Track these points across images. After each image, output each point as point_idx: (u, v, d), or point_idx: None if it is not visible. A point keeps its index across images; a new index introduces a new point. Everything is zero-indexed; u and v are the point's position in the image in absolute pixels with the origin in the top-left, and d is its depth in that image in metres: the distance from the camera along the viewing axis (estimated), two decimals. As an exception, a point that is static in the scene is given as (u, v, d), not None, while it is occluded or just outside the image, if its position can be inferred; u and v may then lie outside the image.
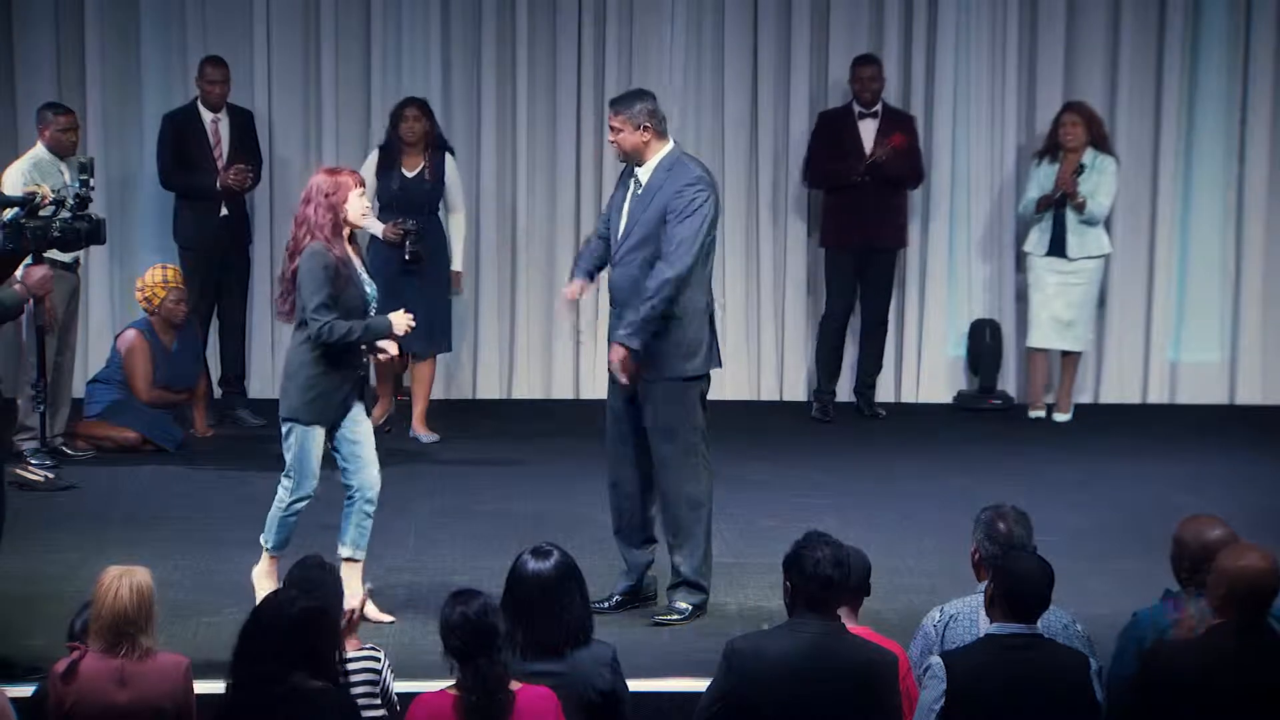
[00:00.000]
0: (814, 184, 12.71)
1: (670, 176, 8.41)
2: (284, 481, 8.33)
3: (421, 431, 11.51)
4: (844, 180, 12.36)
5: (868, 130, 12.42)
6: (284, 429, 8.28)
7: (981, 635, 6.36)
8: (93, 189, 9.03)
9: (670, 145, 8.53)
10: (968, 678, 6.12)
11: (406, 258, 11.25)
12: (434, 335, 11.42)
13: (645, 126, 8.44)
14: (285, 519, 8.33)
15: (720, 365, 8.61)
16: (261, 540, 8.38)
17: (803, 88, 12.93)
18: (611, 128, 8.51)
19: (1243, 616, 6.14)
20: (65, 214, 8.79)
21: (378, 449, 8.44)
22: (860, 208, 12.37)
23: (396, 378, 11.88)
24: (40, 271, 8.43)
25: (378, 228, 11.28)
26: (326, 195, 8.18)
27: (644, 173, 8.47)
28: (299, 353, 8.26)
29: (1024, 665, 6.16)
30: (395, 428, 11.59)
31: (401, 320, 8.27)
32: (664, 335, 8.39)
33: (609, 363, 8.46)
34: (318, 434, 8.26)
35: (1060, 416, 12.47)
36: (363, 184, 8.33)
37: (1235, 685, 6.07)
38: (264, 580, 8.31)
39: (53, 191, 8.93)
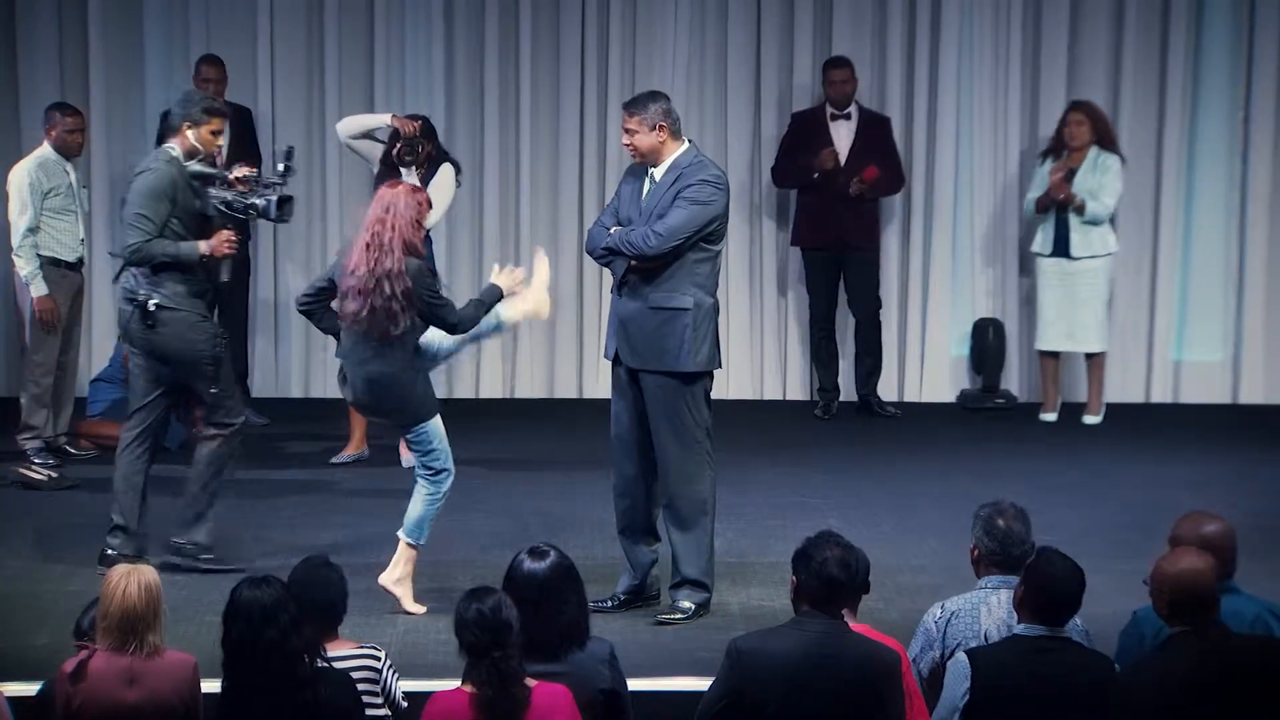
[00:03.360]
0: (777, 183, 12.74)
1: (690, 170, 8.44)
2: (425, 482, 8.50)
3: (406, 454, 11.22)
4: (803, 180, 12.40)
5: (840, 132, 12.44)
6: (418, 435, 8.47)
7: (1008, 635, 6.38)
8: (291, 171, 9.26)
9: (686, 145, 8.55)
10: (992, 676, 6.14)
11: (399, 145, 10.79)
12: None
13: (661, 126, 8.45)
14: (439, 510, 8.55)
15: (720, 366, 8.63)
16: (413, 539, 8.49)
17: (805, 88, 12.93)
18: (626, 129, 8.49)
19: (1192, 623, 6.15)
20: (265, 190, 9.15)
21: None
22: (832, 209, 12.38)
23: None
24: (224, 233, 9.01)
25: (384, 119, 10.99)
26: (416, 215, 8.37)
27: (659, 172, 8.48)
28: (402, 364, 8.40)
29: (1049, 666, 6.17)
30: (377, 450, 11.31)
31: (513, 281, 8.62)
32: (672, 328, 8.40)
33: None
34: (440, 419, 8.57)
35: (1090, 419, 12.41)
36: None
37: (1208, 694, 6.08)
38: (408, 583, 8.50)
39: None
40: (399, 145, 10.78)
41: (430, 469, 8.50)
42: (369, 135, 10.93)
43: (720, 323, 11.74)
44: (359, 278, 8.29)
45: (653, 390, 8.47)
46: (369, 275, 8.27)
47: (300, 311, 8.78)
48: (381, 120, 10.93)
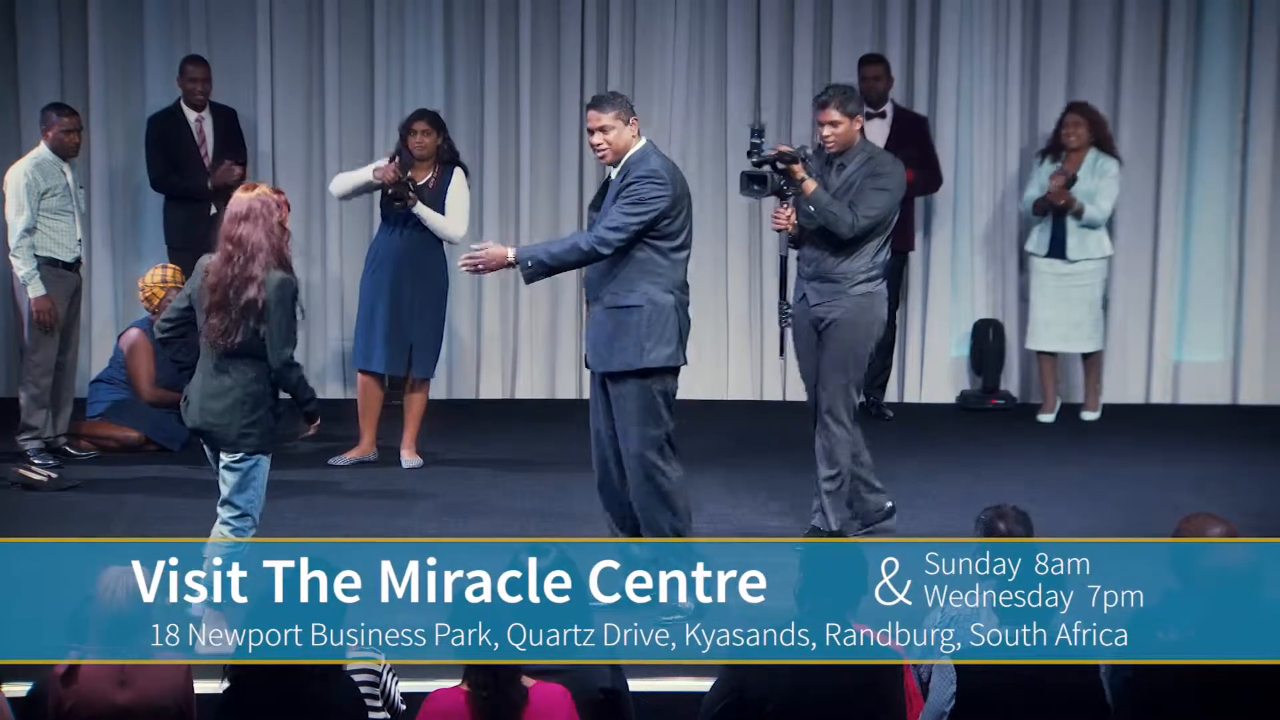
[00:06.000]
0: None
1: (634, 166, 8.43)
2: (234, 524, 8.01)
3: (408, 456, 11.09)
4: None
5: (874, 131, 12.43)
6: (247, 467, 8.00)
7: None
8: (758, 149, 9.39)
9: (644, 141, 8.54)
10: (978, 679, 6.14)
11: (389, 192, 10.81)
12: (419, 358, 11.02)
13: (633, 119, 8.46)
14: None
15: (685, 362, 8.60)
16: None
17: (806, 88, 12.93)
18: (601, 128, 8.44)
19: None
20: None
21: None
22: None
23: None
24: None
25: (367, 174, 10.95)
26: (278, 217, 7.98)
27: (615, 170, 8.50)
28: (256, 383, 7.98)
29: (1034, 667, 6.17)
30: (382, 450, 11.29)
31: (312, 429, 8.23)
32: (627, 328, 8.42)
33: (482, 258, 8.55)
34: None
35: (1088, 415, 12.48)
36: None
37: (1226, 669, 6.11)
38: None
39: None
40: (389, 193, 10.83)
41: (238, 509, 8.02)
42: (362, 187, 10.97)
43: (721, 323, 11.81)
44: (222, 289, 7.93)
45: (613, 390, 8.50)
46: (230, 285, 7.91)
47: (159, 340, 8.34)
48: (365, 175, 10.94)
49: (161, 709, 6.28)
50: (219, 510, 8.09)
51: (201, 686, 6.45)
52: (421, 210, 10.86)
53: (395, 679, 6.64)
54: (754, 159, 9.30)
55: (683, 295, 8.54)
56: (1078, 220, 12.18)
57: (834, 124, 9.37)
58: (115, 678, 6.25)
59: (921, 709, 6.43)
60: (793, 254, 9.74)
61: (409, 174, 10.86)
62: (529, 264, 8.46)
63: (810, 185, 9.28)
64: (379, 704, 6.56)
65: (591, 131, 8.49)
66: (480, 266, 8.56)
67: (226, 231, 7.99)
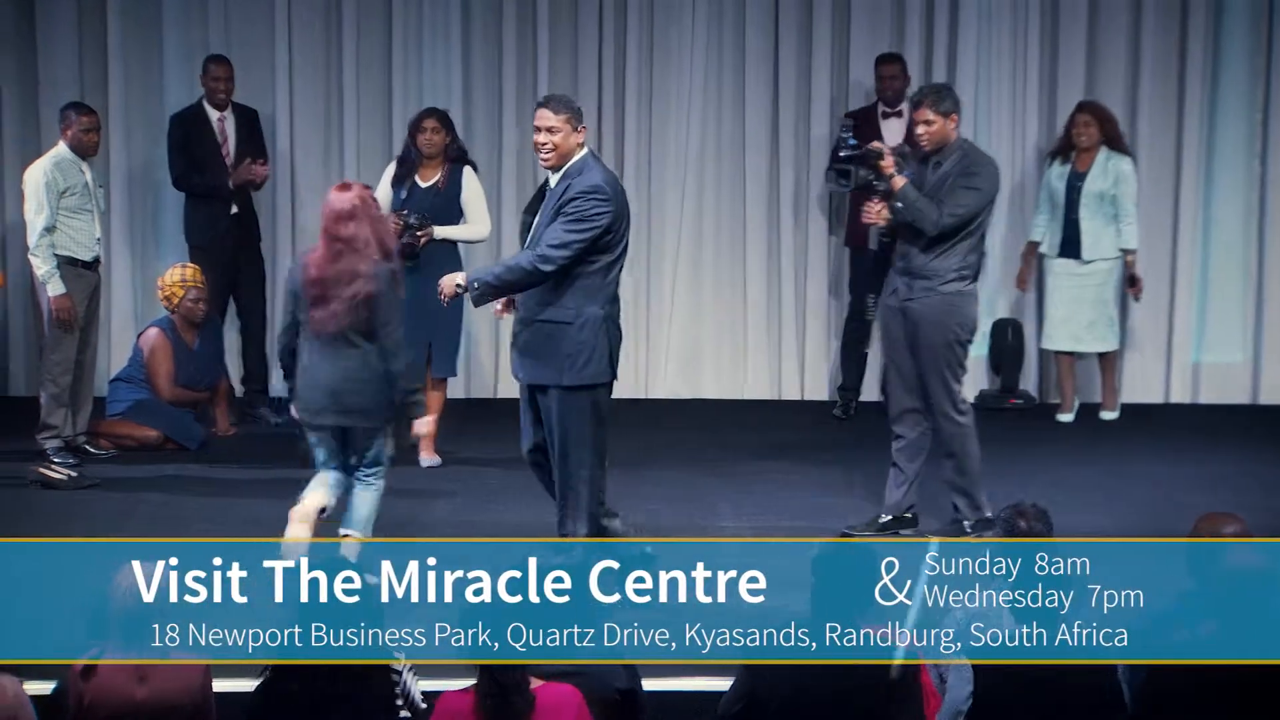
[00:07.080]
0: (831, 184, 12.77)
1: (578, 179, 8.38)
2: (372, 481, 8.55)
3: (426, 455, 11.12)
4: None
5: (891, 130, 12.42)
6: (380, 438, 8.52)
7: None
8: (843, 142, 9.54)
9: (585, 151, 8.50)
10: (995, 679, 6.14)
11: (401, 242, 10.97)
12: (439, 358, 11.09)
13: (582, 127, 8.45)
14: None
15: (615, 377, 8.59)
16: (369, 533, 8.55)
17: (824, 87, 12.93)
18: (549, 129, 8.39)
19: None
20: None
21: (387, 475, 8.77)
22: None
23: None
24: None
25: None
26: (376, 210, 8.41)
27: (555, 179, 8.46)
28: (380, 359, 8.40)
29: (1052, 667, 6.18)
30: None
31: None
32: (555, 342, 8.42)
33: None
34: None
35: (1107, 414, 12.48)
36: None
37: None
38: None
39: None
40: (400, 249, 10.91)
41: (381, 464, 8.59)
42: None
43: (739, 323, 11.66)
44: (322, 284, 8.29)
45: (542, 402, 8.52)
46: (335, 279, 8.27)
47: (283, 356, 8.66)
48: None
49: (178, 706, 6.31)
50: (358, 475, 8.54)
51: (220, 685, 6.47)
52: (441, 233, 10.89)
53: (415, 678, 6.66)
54: (843, 153, 9.34)
55: (612, 308, 8.52)
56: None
57: (928, 123, 9.37)
58: (134, 674, 6.29)
59: (939, 708, 6.43)
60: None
61: (408, 199, 10.88)
62: (475, 286, 8.48)
63: (899, 181, 9.30)
64: (399, 703, 6.59)
65: (538, 130, 8.43)
66: (442, 295, 8.66)
67: (332, 230, 8.34)
